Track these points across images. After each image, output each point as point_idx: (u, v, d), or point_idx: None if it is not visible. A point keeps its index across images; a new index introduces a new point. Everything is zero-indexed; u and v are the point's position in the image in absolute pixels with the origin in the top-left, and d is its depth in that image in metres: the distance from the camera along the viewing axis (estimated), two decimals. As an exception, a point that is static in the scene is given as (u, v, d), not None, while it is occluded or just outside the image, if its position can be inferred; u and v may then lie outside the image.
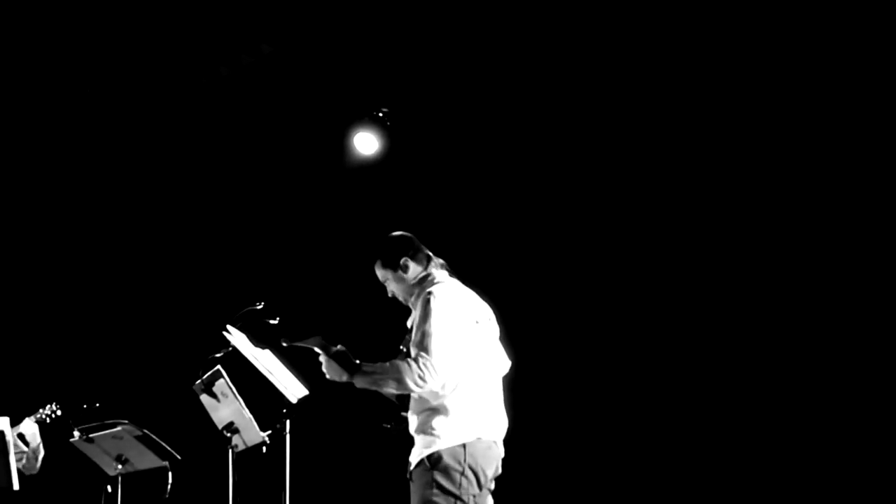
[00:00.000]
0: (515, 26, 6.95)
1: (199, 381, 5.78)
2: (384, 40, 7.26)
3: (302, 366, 5.48)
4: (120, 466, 6.54)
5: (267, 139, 8.13)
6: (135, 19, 7.23)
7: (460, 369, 4.29)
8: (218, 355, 5.70)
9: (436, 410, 4.28)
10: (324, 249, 8.15)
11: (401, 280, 4.57)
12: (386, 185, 7.84)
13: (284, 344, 4.53)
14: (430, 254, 4.62)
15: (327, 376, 4.44)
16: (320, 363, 4.44)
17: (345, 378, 4.37)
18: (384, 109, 7.57)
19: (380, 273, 4.62)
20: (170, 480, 6.52)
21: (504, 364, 4.62)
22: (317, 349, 4.44)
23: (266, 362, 5.61)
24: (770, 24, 6.41)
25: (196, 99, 8.02)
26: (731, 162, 6.81)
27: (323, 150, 7.99)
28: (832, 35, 6.28)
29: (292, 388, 5.66)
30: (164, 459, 6.53)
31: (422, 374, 4.19)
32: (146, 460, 6.55)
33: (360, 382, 4.35)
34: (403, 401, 4.48)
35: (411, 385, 4.21)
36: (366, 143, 7.67)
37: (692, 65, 6.76)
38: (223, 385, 5.76)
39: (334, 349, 4.41)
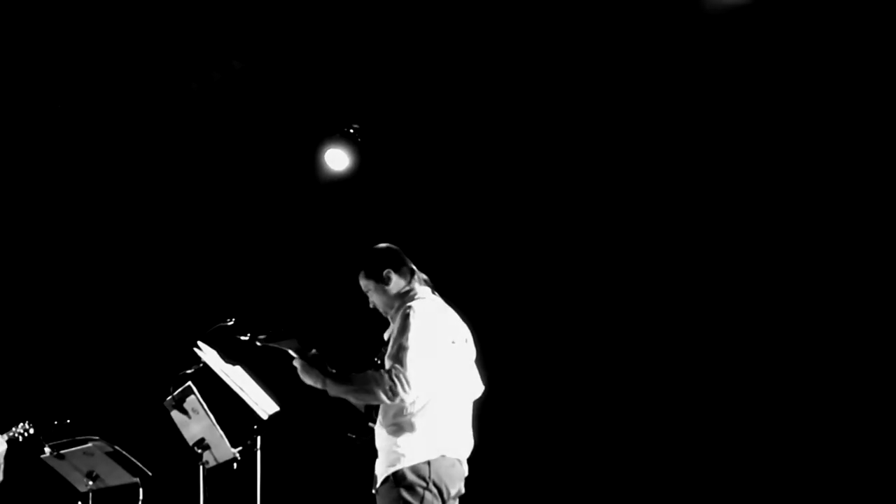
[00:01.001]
0: (484, 43, 6.99)
1: (169, 398, 5.79)
2: (355, 57, 7.29)
3: (273, 382, 5.51)
4: (91, 483, 6.53)
5: (237, 155, 8.14)
6: (105, 35, 7.23)
7: (430, 387, 4.33)
8: (189, 371, 5.71)
9: (401, 427, 4.32)
10: (295, 265, 8.16)
11: (382, 292, 4.58)
12: (357, 201, 7.86)
13: (259, 343, 4.54)
14: (415, 268, 4.64)
15: (303, 380, 4.47)
16: (295, 367, 4.47)
17: (319, 385, 4.42)
18: (355, 126, 7.61)
19: (362, 283, 4.64)
20: (141, 497, 6.52)
21: (477, 388, 4.65)
22: (291, 352, 4.48)
23: (237, 378, 5.63)
24: (769, 24, 6.40)
25: (167, 115, 8.02)
26: (700, 169, 6.82)
27: (294, 166, 8.01)
28: (831, 35, 6.27)
29: (263, 405, 5.69)
30: (134, 476, 6.53)
31: (393, 386, 4.23)
32: (117, 477, 6.54)
33: (332, 390, 4.40)
34: (371, 411, 4.52)
35: (382, 397, 4.26)
36: (336, 159, 7.71)
37: (665, 67, 6.76)
38: (194, 401, 5.77)
39: (309, 353, 4.46)
